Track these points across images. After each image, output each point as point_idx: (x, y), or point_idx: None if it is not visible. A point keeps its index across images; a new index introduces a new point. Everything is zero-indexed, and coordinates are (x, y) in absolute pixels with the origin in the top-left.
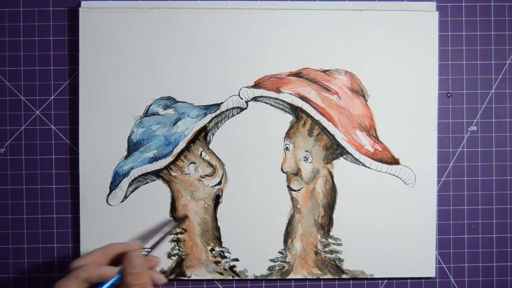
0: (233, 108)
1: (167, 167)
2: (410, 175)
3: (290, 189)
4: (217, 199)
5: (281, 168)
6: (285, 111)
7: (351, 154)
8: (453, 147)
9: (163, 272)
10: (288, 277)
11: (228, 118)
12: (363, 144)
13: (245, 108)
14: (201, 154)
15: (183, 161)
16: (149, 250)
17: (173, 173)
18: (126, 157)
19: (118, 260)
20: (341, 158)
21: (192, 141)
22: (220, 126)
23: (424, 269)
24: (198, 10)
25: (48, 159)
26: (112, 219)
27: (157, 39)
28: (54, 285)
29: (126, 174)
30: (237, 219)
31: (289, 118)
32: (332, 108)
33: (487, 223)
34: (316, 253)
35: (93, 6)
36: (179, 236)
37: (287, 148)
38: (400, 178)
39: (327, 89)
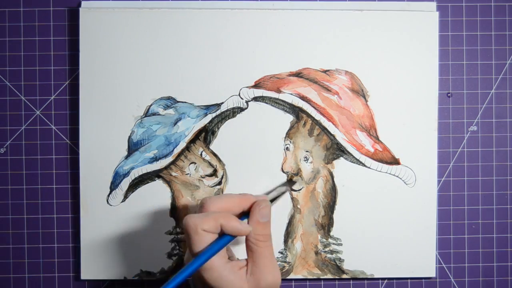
0: (233, 108)
1: (167, 167)
2: (410, 175)
3: (290, 189)
4: None
5: (282, 168)
6: (286, 111)
7: (351, 154)
8: (453, 147)
9: (163, 272)
10: (288, 277)
11: (229, 118)
12: (364, 144)
13: (246, 108)
14: (201, 154)
15: (183, 161)
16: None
17: (173, 173)
18: (127, 157)
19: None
20: (341, 158)
21: (193, 141)
22: (221, 126)
23: (424, 269)
24: (198, 10)
25: (48, 159)
26: (112, 219)
27: (157, 39)
28: (190, 216)
29: (126, 174)
30: None
31: (289, 118)
32: (333, 108)
33: (487, 223)
34: (317, 253)
35: (93, 6)
36: (179, 236)
37: (287, 148)
38: (400, 178)
39: (328, 89)
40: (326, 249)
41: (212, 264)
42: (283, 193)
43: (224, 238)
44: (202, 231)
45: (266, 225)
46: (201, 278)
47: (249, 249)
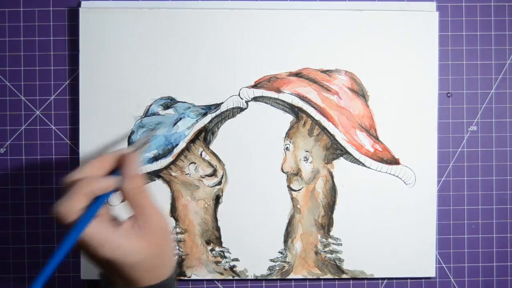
0: (233, 108)
1: (167, 167)
2: (410, 175)
3: (290, 189)
4: (217, 199)
5: (281, 168)
6: (285, 111)
7: (351, 154)
8: (453, 147)
9: None
10: (288, 277)
11: (228, 118)
12: (363, 144)
13: (245, 108)
14: (201, 154)
15: (183, 161)
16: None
17: (173, 173)
18: None
19: (111, 170)
20: (341, 158)
21: (192, 141)
22: (220, 126)
23: (424, 269)
24: (198, 10)
25: (48, 159)
26: None
27: (157, 39)
28: (57, 205)
29: None
30: (237, 219)
31: (289, 118)
32: (332, 108)
33: (487, 223)
34: (316, 253)
35: (93, 6)
36: (179, 236)
37: (287, 148)
38: (400, 178)
39: (327, 89)
40: (326, 249)
41: (106, 238)
42: (146, 141)
43: (99, 199)
44: (79, 212)
45: (141, 177)
46: (100, 257)
47: (132, 204)
